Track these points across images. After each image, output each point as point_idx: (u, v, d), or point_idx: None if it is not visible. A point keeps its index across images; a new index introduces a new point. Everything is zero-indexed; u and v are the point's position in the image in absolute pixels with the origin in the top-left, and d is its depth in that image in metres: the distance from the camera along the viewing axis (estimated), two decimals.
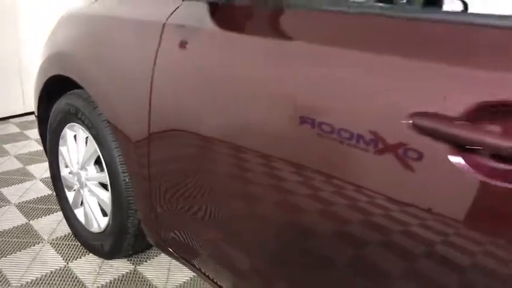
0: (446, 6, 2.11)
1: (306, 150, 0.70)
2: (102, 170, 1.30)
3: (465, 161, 0.53)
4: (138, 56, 1.01)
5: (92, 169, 1.38)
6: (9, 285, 1.29)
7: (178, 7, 0.96)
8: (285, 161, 0.73)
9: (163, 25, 0.96)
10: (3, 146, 2.35)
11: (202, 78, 0.87)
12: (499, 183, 0.50)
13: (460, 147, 0.53)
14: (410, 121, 0.56)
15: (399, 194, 0.59)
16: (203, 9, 0.90)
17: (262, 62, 0.77)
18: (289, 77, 0.72)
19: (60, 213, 1.63)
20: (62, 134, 1.46)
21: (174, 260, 1.28)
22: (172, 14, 0.96)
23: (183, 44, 0.92)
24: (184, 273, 1.43)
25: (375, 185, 0.62)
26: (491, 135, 0.50)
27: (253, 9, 0.84)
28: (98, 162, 1.36)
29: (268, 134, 0.75)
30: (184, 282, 1.39)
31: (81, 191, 1.44)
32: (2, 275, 1.33)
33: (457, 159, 0.53)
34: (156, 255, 1.51)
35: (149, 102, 1.00)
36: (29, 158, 2.20)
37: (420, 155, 0.56)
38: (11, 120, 2.82)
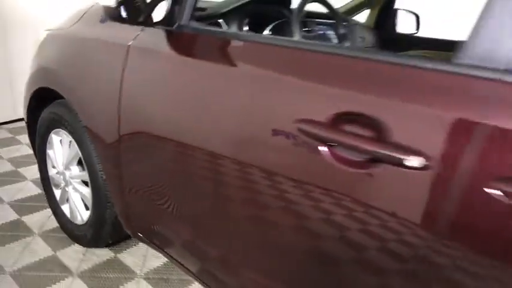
0: (401, 19, 2.32)
1: (241, 145, 0.90)
2: (83, 169, 1.50)
3: (329, 152, 0.73)
4: (109, 72, 1.21)
5: (75, 169, 1.57)
6: (3, 271, 1.49)
7: (140, 32, 1.16)
8: (227, 157, 0.93)
9: (128, 46, 1.17)
10: None
11: (158, 90, 1.08)
12: (349, 169, 0.71)
13: (325, 143, 0.74)
14: (298, 125, 0.77)
15: (292, 173, 0.80)
16: (159, 35, 1.10)
17: (201, 77, 0.98)
18: (220, 88, 0.92)
19: (49, 210, 1.82)
20: (48, 138, 1.66)
21: (151, 248, 1.48)
22: (135, 37, 1.16)
23: (143, 63, 1.12)
24: (159, 260, 1.63)
25: (283, 167, 0.82)
26: (341, 136, 0.71)
27: (197, 37, 1.05)
28: (80, 162, 1.55)
29: (212, 134, 0.96)
30: (158, 267, 1.59)
31: (67, 188, 1.63)
32: None
33: (323, 150, 0.74)
34: (135, 245, 1.71)
35: (118, 110, 1.20)
36: (20, 161, 2.39)
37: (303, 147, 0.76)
38: (3, 126, 3.00)
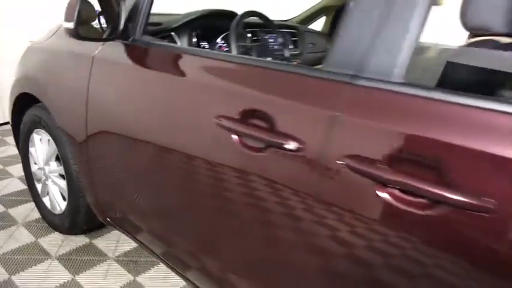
0: None
1: (182, 138, 1.11)
2: (61, 164, 1.70)
3: (239, 140, 0.94)
4: (77, 79, 1.42)
5: (54, 164, 1.77)
6: None
7: (102, 45, 1.37)
8: (173, 149, 1.12)
9: (93, 57, 1.37)
10: None
11: (116, 95, 1.28)
12: (253, 153, 0.91)
13: (236, 134, 0.94)
14: (217, 120, 0.97)
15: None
16: (117, 47, 1.31)
17: (149, 83, 1.18)
18: (164, 92, 1.13)
19: (32, 203, 2.02)
20: (30, 138, 1.85)
21: (123, 234, 1.67)
22: (98, 49, 1.37)
23: (104, 71, 1.32)
24: (130, 245, 1.83)
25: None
26: (246, 128, 0.92)
27: (147, 49, 1.25)
28: (58, 158, 1.75)
29: (160, 131, 1.16)
30: (129, 250, 1.79)
31: (47, 182, 1.83)
32: None
33: (235, 139, 0.94)
34: (109, 232, 1.90)
35: (85, 113, 1.40)
36: (7, 160, 2.58)
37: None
38: None
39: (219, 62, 1.04)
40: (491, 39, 0.87)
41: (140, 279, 1.62)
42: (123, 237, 1.86)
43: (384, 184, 0.71)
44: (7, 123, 3.23)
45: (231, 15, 1.57)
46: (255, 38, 1.72)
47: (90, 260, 1.71)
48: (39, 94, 1.65)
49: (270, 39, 1.74)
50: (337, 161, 0.77)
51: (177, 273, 1.32)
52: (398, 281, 0.73)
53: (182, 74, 1.12)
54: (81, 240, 1.83)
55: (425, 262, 0.69)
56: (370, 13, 0.78)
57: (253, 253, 1.00)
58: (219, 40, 1.62)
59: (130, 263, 1.71)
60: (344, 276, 0.82)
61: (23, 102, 1.83)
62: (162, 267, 1.69)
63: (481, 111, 0.65)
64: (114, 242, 1.84)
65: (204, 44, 1.63)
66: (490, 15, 0.87)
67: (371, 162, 0.72)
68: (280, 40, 1.79)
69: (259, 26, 1.79)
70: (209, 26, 1.59)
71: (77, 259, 1.71)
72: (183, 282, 1.60)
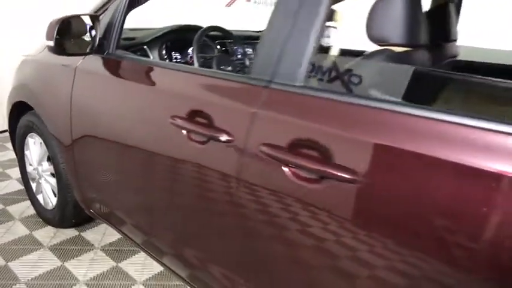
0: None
1: (149, 137, 1.31)
2: (51, 164, 1.91)
3: (186, 135, 1.14)
4: (62, 89, 1.62)
5: (46, 164, 1.98)
6: None
7: (83, 58, 1.57)
8: (142, 149, 1.32)
9: (75, 68, 1.58)
10: None
11: (94, 102, 1.49)
12: (198, 145, 1.12)
13: (185, 130, 1.14)
14: (171, 119, 1.17)
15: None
16: (95, 60, 1.52)
17: (120, 91, 1.39)
18: (132, 98, 1.33)
19: (28, 201, 2.22)
20: (25, 141, 2.07)
21: (109, 227, 1.87)
22: (80, 62, 1.58)
23: (84, 81, 1.53)
24: (115, 236, 2.02)
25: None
26: (191, 124, 1.12)
27: (119, 61, 1.46)
28: (49, 159, 1.96)
29: (131, 132, 1.36)
30: (114, 241, 1.99)
31: (40, 180, 2.04)
32: None
33: (184, 134, 1.14)
34: (97, 225, 2.10)
35: (70, 119, 1.61)
36: (7, 164, 2.80)
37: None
38: None
39: (173, 72, 1.25)
40: (387, 49, 1.07)
41: (122, 264, 1.82)
42: (110, 229, 2.06)
43: (287, 164, 0.91)
44: (6, 130, 3.45)
45: (198, 29, 1.78)
46: (224, 48, 1.93)
47: (78, 249, 1.91)
48: (32, 102, 1.86)
49: (234, 49, 1.95)
50: (259, 149, 0.96)
51: (154, 258, 1.51)
52: (299, 236, 0.93)
53: (145, 82, 1.33)
54: (71, 232, 2.04)
55: (313, 223, 0.89)
56: (280, 30, 0.98)
57: (206, 230, 1.20)
58: (190, 51, 1.83)
59: (114, 251, 1.91)
60: (258, 233, 1.01)
61: (18, 109, 2.04)
62: (142, 254, 1.88)
63: (352, 107, 0.85)
64: (101, 234, 2.04)
65: (177, 55, 1.84)
66: (388, 29, 1.07)
67: (278, 148, 0.92)
68: (240, 51, 2.00)
69: (228, 38, 2.00)
70: (180, 39, 1.80)
71: (66, 248, 1.91)
72: (160, 268, 1.79)
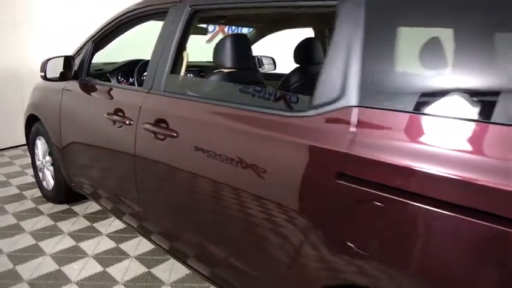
0: (263, 62, 3.53)
1: (103, 133, 2.13)
2: (50, 157, 2.76)
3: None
4: (54, 104, 2.49)
5: (47, 158, 2.83)
6: (5, 212, 2.73)
7: (68, 83, 2.43)
8: (103, 144, 2.15)
9: (63, 89, 2.44)
10: (13, 161, 3.87)
11: (74, 114, 2.33)
12: (130, 135, 1.92)
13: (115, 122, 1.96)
14: (107, 115, 1.99)
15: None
16: (74, 84, 2.37)
17: (88, 105, 2.22)
18: (95, 107, 2.16)
19: (37, 188, 3.08)
20: (35, 142, 2.94)
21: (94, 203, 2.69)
22: (65, 85, 2.44)
23: (67, 99, 2.38)
24: (97, 207, 2.82)
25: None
26: (119, 117, 1.94)
27: (88, 85, 2.30)
28: (49, 154, 2.81)
29: (93, 128, 2.18)
30: (95, 211, 2.79)
31: (44, 170, 2.89)
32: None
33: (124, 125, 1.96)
34: (84, 203, 2.92)
35: (59, 127, 2.45)
36: (25, 165, 3.70)
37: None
38: (21, 147, 4.36)
39: (117, 89, 2.08)
40: (221, 70, 1.85)
41: (96, 225, 2.61)
42: (93, 205, 2.87)
43: (153, 131, 1.68)
44: (15, 146, 4.36)
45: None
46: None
47: (67, 215, 2.73)
48: (39, 114, 2.74)
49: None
50: (142, 126, 1.75)
51: (119, 218, 2.28)
52: (160, 167, 1.70)
53: (101, 95, 2.16)
54: (64, 206, 2.86)
55: (164, 160, 1.67)
56: (154, 60, 1.78)
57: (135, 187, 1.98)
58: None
59: (93, 218, 2.71)
60: (143, 170, 1.78)
61: (31, 120, 2.93)
62: (117, 222, 2.67)
63: (188, 102, 1.63)
64: (88, 206, 2.85)
65: (126, 79, 2.68)
66: (221, 59, 1.84)
67: (149, 124, 1.70)
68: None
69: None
70: (130, 69, 2.65)
71: (59, 215, 2.73)
72: (122, 225, 2.57)
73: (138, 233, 2.06)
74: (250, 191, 1.31)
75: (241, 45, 1.89)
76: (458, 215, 0.86)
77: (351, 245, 1.04)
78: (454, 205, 0.86)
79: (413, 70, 1.13)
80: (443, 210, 0.88)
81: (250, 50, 1.99)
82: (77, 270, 2.11)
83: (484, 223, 0.82)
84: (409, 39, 1.15)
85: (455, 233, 0.87)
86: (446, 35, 1.06)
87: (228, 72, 1.82)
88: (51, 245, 2.35)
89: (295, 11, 1.91)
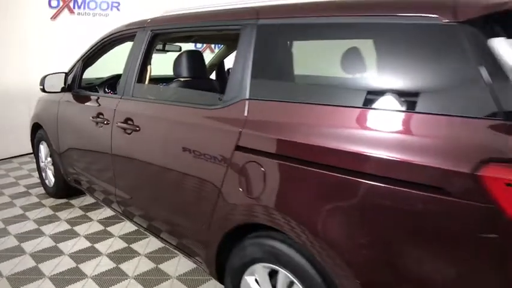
0: None
1: (89, 133, 2.63)
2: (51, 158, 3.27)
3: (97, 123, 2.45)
4: (52, 113, 3.00)
5: (49, 159, 3.34)
6: (14, 205, 3.23)
7: (64, 94, 2.95)
8: (86, 136, 2.65)
9: (59, 101, 2.95)
10: (24, 167, 4.40)
11: (66, 120, 2.84)
12: (105, 131, 2.42)
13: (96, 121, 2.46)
14: (92, 118, 2.48)
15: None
16: (68, 95, 2.88)
17: (78, 112, 2.73)
18: (82, 116, 2.67)
19: (41, 187, 3.58)
20: (39, 146, 3.46)
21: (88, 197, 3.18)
22: (61, 97, 2.95)
23: (63, 108, 2.90)
24: (91, 200, 3.31)
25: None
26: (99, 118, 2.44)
27: (80, 95, 2.81)
28: (50, 156, 3.31)
29: (82, 130, 2.68)
30: (90, 203, 3.27)
31: (46, 169, 3.40)
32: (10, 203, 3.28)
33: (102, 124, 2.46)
34: (81, 197, 3.40)
35: (57, 132, 2.96)
36: (34, 168, 4.22)
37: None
38: (29, 155, 4.89)
39: (102, 97, 2.58)
40: (178, 80, 2.33)
41: (88, 213, 3.09)
42: (88, 199, 3.35)
43: (122, 128, 2.16)
44: (23, 155, 4.90)
45: None
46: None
47: (65, 207, 3.22)
48: (41, 123, 3.26)
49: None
50: (116, 124, 2.23)
51: (104, 204, 2.76)
52: (126, 151, 2.18)
53: (90, 103, 2.66)
54: (62, 200, 3.36)
55: (134, 147, 2.16)
56: (125, 72, 2.28)
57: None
58: None
59: (87, 209, 3.19)
60: (118, 154, 2.26)
61: (35, 128, 3.45)
62: (107, 210, 3.14)
63: (146, 104, 2.12)
64: (81, 201, 3.34)
65: (111, 89, 3.19)
66: (179, 69, 2.33)
67: (120, 122, 2.18)
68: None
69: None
70: (114, 82, 3.16)
71: (59, 207, 3.22)
72: (111, 213, 3.04)
73: (121, 216, 2.53)
74: (185, 162, 1.78)
75: (195, 59, 2.37)
76: (305, 167, 1.30)
77: (247, 195, 1.49)
78: (301, 160, 1.31)
79: (281, 74, 1.59)
80: (297, 164, 1.32)
81: (202, 63, 2.48)
82: (70, 246, 2.59)
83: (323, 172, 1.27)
84: (282, 52, 1.63)
85: (303, 179, 1.32)
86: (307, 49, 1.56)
87: (184, 80, 2.31)
88: (50, 229, 2.84)
89: (218, 33, 2.41)
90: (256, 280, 1.57)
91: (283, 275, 1.42)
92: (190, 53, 2.37)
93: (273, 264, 1.46)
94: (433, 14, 1.13)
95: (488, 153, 0.99)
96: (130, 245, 2.60)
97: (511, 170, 0.95)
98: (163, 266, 2.37)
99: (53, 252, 2.50)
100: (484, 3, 1.10)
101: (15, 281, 2.20)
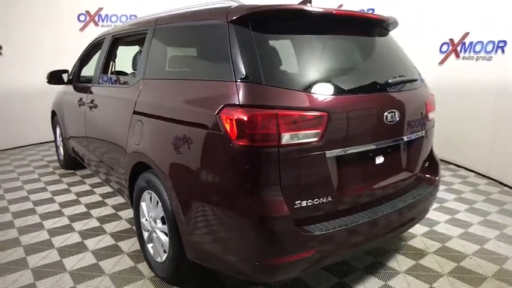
0: None
1: (86, 120, 3.51)
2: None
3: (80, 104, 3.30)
4: (60, 102, 3.94)
5: (60, 138, 4.28)
6: (35, 174, 4.20)
7: (67, 87, 3.85)
8: (78, 114, 3.52)
9: (64, 92, 3.88)
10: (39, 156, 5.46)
11: (68, 105, 3.74)
12: (89, 110, 3.26)
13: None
14: (78, 101, 3.34)
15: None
16: (69, 87, 3.78)
17: (73, 98, 3.62)
18: (75, 101, 3.55)
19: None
20: (56, 128, 4.43)
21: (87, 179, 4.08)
22: (66, 89, 3.86)
23: (67, 97, 3.81)
24: (93, 180, 4.19)
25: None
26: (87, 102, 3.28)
27: (78, 86, 3.69)
28: (61, 135, 4.25)
29: (76, 111, 3.56)
30: (96, 183, 4.15)
31: (59, 146, 4.35)
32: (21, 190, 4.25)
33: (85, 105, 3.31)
34: (82, 169, 4.30)
35: (63, 116, 3.89)
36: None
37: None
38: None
39: (81, 87, 3.43)
40: (133, 72, 3.11)
41: (86, 180, 3.96)
42: (88, 181, 4.24)
43: (90, 108, 2.98)
44: (41, 143, 5.94)
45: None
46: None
47: (70, 174, 4.13)
48: (55, 109, 4.22)
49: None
50: (87, 104, 3.06)
51: (87, 166, 3.60)
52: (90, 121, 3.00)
53: (76, 91, 3.53)
54: (70, 171, 4.28)
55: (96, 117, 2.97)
56: (97, 62, 3.09)
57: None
58: None
59: (86, 176, 4.07)
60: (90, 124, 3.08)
61: (53, 114, 4.43)
62: (101, 189, 4.00)
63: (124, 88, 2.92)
64: (83, 172, 4.23)
65: None
66: (134, 64, 3.11)
67: (90, 102, 3.00)
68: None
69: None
70: None
71: (65, 174, 4.14)
72: (107, 204, 3.89)
73: (94, 174, 3.34)
74: (114, 125, 2.56)
75: (134, 56, 3.13)
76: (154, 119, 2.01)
77: (135, 143, 2.21)
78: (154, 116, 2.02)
79: (160, 61, 2.31)
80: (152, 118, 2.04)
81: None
82: (71, 209, 3.40)
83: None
84: (162, 47, 2.34)
85: (156, 130, 2.02)
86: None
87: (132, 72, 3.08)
88: (54, 188, 3.75)
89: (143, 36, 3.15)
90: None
91: (154, 196, 2.11)
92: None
93: (151, 190, 2.14)
94: (218, 18, 1.78)
95: (226, 101, 1.62)
96: (118, 212, 3.41)
97: (235, 111, 1.58)
98: None
99: (56, 213, 3.38)
100: (244, 9, 1.73)
101: (22, 231, 3.09)
